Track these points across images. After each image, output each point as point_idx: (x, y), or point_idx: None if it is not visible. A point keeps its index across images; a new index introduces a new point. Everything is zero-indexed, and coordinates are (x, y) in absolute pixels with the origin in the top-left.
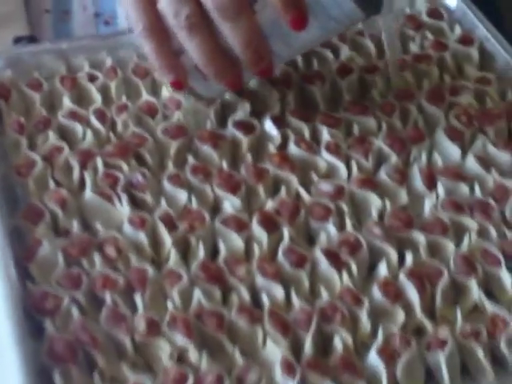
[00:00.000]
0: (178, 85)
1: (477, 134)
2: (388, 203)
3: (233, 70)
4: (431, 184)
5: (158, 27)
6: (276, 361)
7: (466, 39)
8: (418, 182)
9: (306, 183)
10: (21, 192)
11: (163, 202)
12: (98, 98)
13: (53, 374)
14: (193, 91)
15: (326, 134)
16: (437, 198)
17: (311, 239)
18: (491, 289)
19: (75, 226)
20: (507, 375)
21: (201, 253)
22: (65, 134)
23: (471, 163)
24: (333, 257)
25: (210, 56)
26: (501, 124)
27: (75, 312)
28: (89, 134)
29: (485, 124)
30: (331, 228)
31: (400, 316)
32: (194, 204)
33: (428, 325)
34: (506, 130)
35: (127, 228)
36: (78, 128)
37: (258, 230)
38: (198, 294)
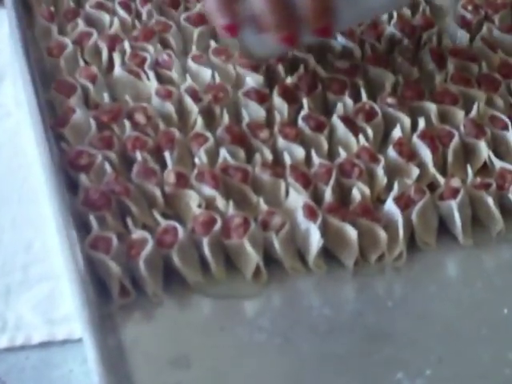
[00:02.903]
0: (231, 29)
1: (483, 22)
2: (401, 78)
3: (293, 24)
4: (441, 62)
5: None
6: (298, 207)
7: None
8: (429, 61)
9: (323, 63)
10: (52, 73)
11: (188, 78)
12: None
13: (88, 220)
14: (244, 48)
15: None
16: (446, 74)
17: (328, 111)
18: (499, 151)
19: (106, 98)
20: None
21: (225, 119)
22: (93, 23)
23: (479, 45)
24: (349, 123)
25: (273, 4)
26: (505, 12)
27: (108, 167)
28: (115, 22)
29: (490, 12)
30: (347, 100)
31: (414, 172)
32: (218, 80)
33: (441, 179)
34: (510, 16)
35: (155, 99)
36: (105, 17)
37: (278, 102)
38: (223, 153)
